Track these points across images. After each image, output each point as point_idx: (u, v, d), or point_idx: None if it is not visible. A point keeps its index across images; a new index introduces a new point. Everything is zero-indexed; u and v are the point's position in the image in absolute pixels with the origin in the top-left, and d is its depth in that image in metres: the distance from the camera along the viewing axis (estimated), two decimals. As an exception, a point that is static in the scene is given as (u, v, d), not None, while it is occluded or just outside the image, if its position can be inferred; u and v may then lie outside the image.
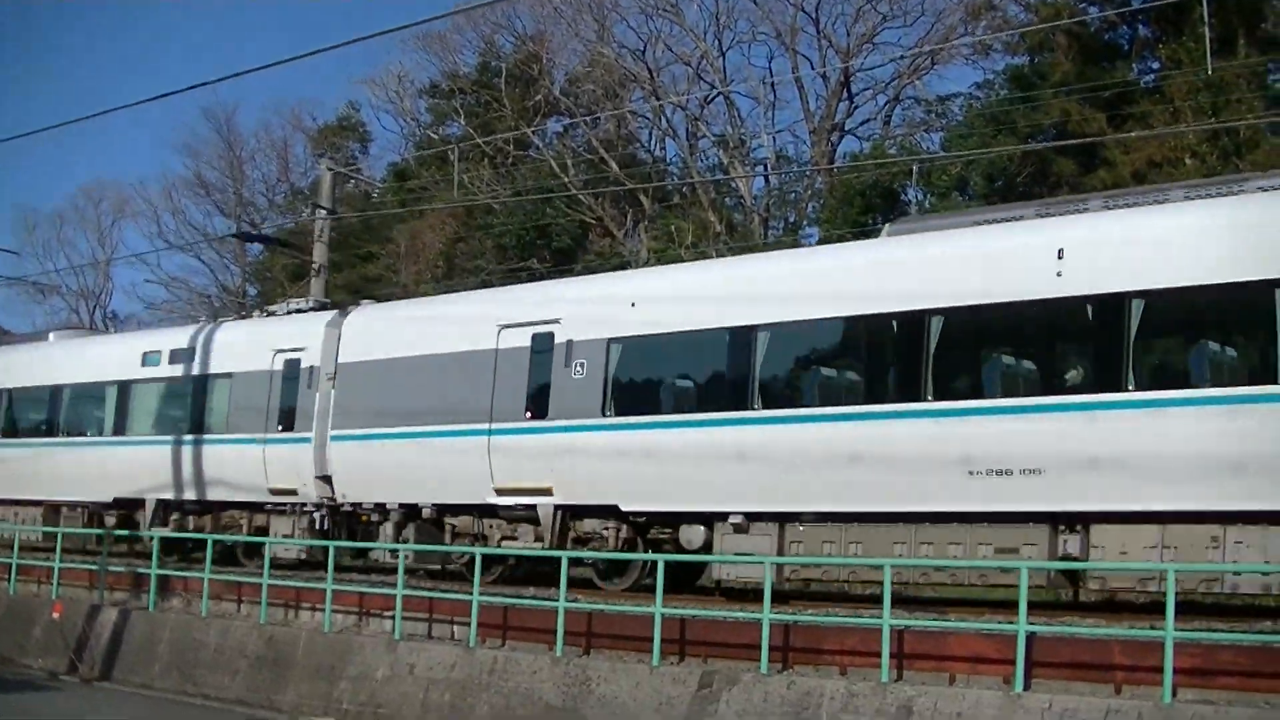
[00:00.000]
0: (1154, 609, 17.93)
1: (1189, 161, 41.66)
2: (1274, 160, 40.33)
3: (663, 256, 50.92)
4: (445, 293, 43.97)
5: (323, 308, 32.66)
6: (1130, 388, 19.10)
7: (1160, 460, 18.49)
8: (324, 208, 41.06)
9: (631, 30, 61.08)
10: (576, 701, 20.28)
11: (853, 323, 22.44)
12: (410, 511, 27.37)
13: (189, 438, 31.54)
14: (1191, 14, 39.99)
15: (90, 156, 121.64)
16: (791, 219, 58.09)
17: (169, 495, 31.94)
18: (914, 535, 20.84)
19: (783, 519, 22.28)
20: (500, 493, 25.50)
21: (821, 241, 47.99)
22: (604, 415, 24.42)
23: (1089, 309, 19.82)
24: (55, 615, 29.12)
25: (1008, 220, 21.87)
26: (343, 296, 52.33)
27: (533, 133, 61.25)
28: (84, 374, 35.34)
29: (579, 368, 24.86)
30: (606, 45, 60.97)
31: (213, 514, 31.45)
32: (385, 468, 27.68)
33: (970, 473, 20.04)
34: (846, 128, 59.88)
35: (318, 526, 29.19)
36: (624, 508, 24.05)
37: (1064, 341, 20.71)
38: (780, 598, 20.63)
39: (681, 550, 23.54)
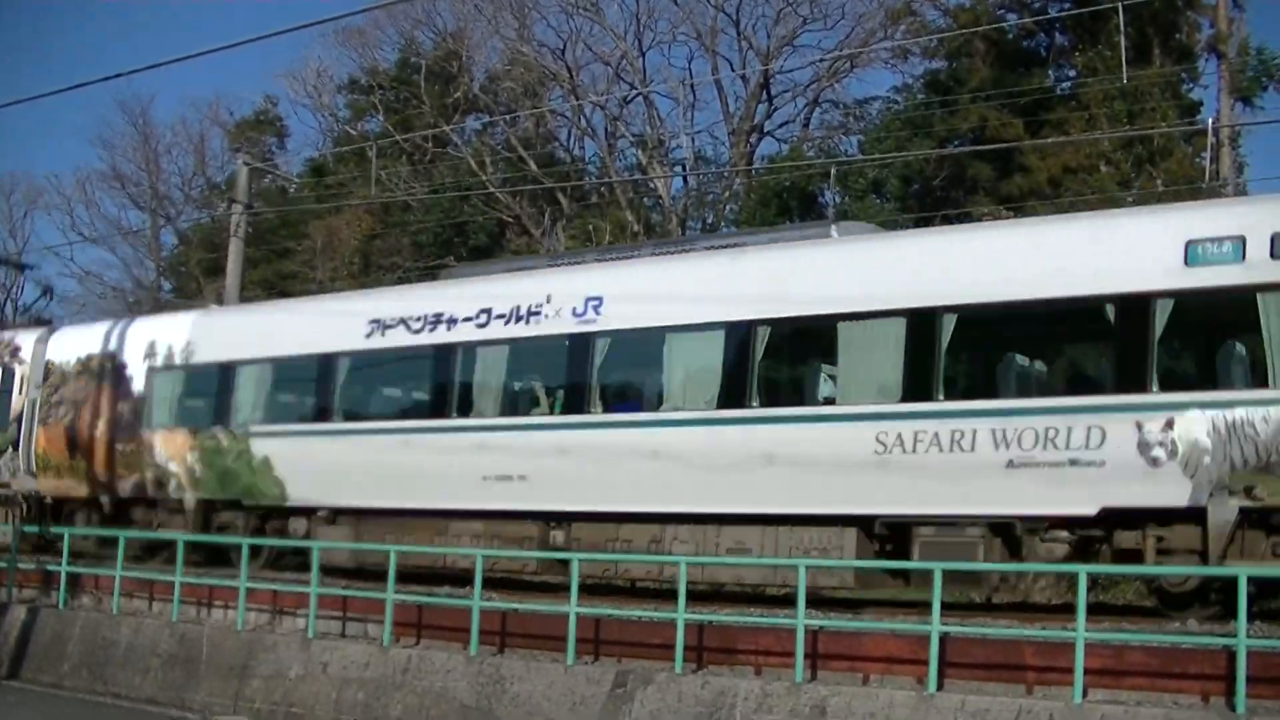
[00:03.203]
0: (1065, 610, 18.11)
1: (1104, 168, 42.12)
2: (1185, 169, 40.90)
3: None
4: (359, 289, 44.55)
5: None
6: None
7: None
8: (240, 203, 40.85)
9: (551, 29, 61.15)
10: (490, 701, 20.19)
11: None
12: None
13: None
14: (1108, 23, 40.44)
15: (1, 147, 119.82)
16: (709, 220, 58.20)
17: None
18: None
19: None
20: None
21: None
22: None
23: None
24: (-40, 614, 28.74)
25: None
26: (259, 293, 52.12)
27: (451, 130, 61.03)
28: None
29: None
30: (526, 43, 60.87)
31: None
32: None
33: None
34: (765, 129, 60.20)
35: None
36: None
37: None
38: (696, 597, 20.68)
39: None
